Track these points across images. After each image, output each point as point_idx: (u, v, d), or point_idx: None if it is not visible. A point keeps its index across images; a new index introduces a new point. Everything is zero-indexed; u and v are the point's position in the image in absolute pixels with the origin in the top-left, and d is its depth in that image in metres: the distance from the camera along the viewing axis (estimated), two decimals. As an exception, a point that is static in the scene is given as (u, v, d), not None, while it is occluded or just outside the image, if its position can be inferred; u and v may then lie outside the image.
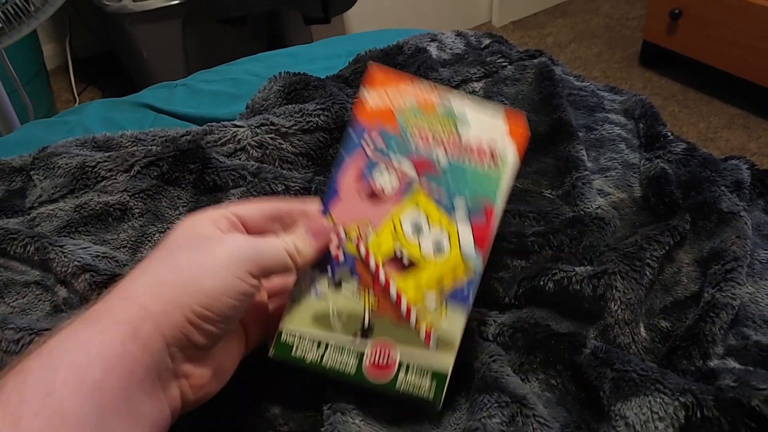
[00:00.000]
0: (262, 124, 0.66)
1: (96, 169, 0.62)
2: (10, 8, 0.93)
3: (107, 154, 0.64)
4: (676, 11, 1.84)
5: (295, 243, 0.39)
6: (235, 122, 0.67)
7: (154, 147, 0.64)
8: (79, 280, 0.51)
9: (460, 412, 0.45)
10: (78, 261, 0.52)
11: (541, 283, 0.49)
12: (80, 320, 0.33)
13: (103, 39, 2.12)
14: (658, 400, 0.39)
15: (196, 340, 0.35)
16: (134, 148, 0.65)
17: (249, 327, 0.42)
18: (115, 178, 0.62)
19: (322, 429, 0.42)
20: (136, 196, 0.60)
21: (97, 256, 0.54)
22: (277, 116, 0.67)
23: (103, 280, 0.51)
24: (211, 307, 0.34)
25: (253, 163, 0.64)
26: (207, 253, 0.36)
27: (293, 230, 0.41)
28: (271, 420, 0.44)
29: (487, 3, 2.39)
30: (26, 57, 1.69)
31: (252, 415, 0.44)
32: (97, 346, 0.31)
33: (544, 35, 2.32)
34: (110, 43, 2.07)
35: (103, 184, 0.61)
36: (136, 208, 0.60)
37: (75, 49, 2.10)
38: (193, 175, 0.61)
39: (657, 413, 0.39)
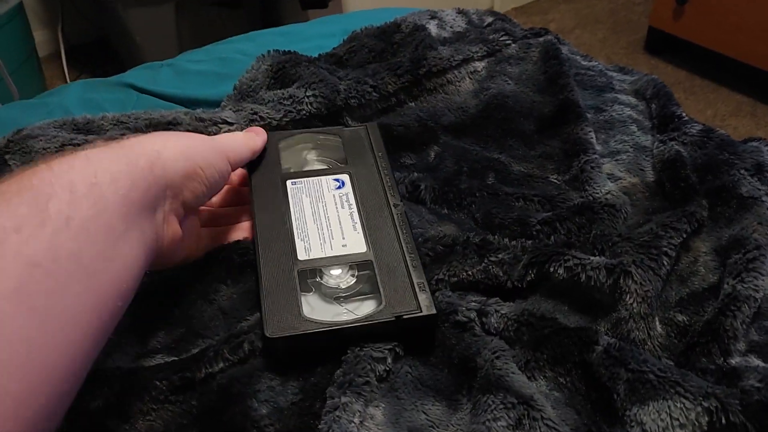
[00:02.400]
0: (251, 120, 0.62)
1: (74, 153, 0.58)
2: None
3: (88, 137, 0.60)
4: (683, -5, 1.80)
5: (253, 139, 0.51)
6: (225, 116, 0.63)
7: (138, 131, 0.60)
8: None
9: (462, 413, 0.42)
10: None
11: (551, 269, 0.45)
12: (104, 145, 0.37)
13: (95, 25, 2.07)
14: (678, 404, 0.36)
15: (186, 194, 0.41)
16: (115, 131, 0.62)
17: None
18: (94, 163, 0.58)
19: (320, 425, 0.38)
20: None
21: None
22: (266, 104, 0.63)
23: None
24: (206, 170, 0.42)
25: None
26: (199, 137, 0.45)
27: (234, 134, 0.53)
28: (257, 420, 0.41)
29: (489, -12, 2.34)
30: (15, 43, 1.64)
31: (237, 414, 0.41)
32: (126, 164, 0.36)
33: (548, 21, 2.27)
34: (103, 29, 2.02)
35: (81, 168, 0.58)
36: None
37: (67, 36, 2.06)
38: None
39: (677, 419, 0.36)
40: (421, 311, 0.43)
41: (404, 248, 0.48)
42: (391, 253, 0.47)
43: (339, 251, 0.48)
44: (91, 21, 2.06)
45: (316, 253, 0.48)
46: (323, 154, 0.58)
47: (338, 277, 0.47)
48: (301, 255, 0.47)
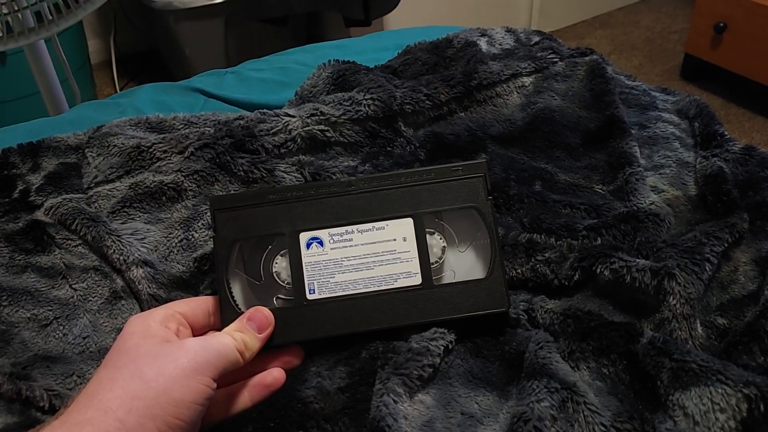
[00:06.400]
0: (312, 114, 0.66)
1: (151, 150, 0.62)
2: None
3: (161, 136, 0.64)
4: (721, 24, 1.82)
5: (244, 339, 0.42)
6: (287, 111, 0.67)
7: (207, 129, 0.65)
8: (135, 274, 0.53)
9: (512, 401, 0.44)
10: (135, 256, 0.54)
11: (598, 270, 0.48)
12: (62, 426, 0.35)
13: (146, 36, 2.16)
14: (719, 390, 0.38)
15: None
16: (187, 130, 0.66)
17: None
18: (170, 159, 0.62)
19: (373, 402, 0.41)
20: (190, 177, 0.61)
21: (155, 250, 0.55)
22: (327, 104, 0.67)
23: (160, 281, 0.53)
24: (182, 416, 0.37)
25: (302, 157, 0.64)
26: (171, 361, 0.38)
27: (238, 323, 0.44)
28: (303, 399, 0.44)
29: (526, 12, 2.38)
30: (72, 51, 1.72)
31: (284, 396, 0.44)
32: None
33: (584, 46, 2.30)
34: (153, 40, 2.11)
35: (158, 164, 0.62)
36: (189, 189, 0.60)
37: (119, 46, 2.15)
38: (245, 167, 0.61)
39: (718, 404, 0.38)
40: None
41: None
42: None
43: None
44: (142, 32, 2.15)
45: None
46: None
47: None
48: None
